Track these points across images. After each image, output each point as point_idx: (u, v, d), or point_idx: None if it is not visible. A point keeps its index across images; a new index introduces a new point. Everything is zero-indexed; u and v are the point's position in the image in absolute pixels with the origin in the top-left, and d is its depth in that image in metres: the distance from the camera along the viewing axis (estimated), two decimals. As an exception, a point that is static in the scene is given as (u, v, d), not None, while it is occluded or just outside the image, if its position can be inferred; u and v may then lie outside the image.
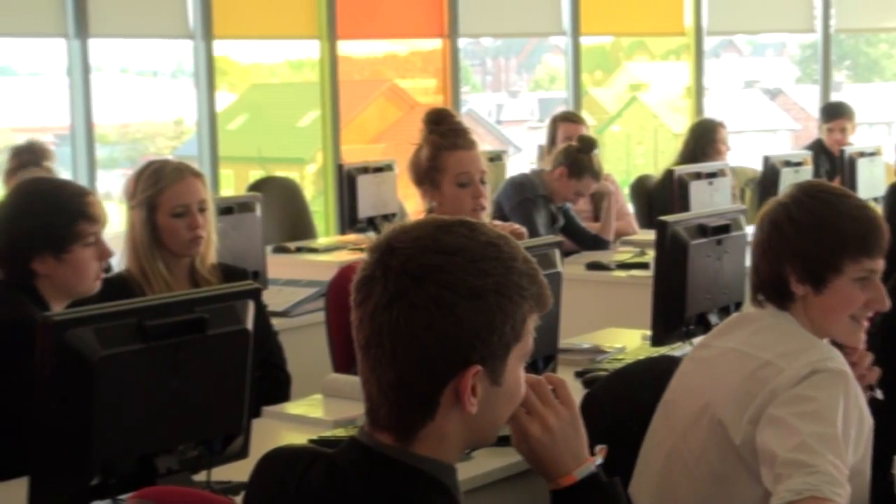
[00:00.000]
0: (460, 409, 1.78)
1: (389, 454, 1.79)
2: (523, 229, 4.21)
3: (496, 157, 7.65)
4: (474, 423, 1.81)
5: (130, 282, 3.78)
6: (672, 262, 3.75)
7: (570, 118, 7.45)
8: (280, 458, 1.93)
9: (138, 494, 1.91)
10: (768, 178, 6.78)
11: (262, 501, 1.91)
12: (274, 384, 3.84)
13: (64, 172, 6.16)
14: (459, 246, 1.77)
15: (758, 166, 7.22)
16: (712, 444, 2.59)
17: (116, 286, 3.39)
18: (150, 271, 3.81)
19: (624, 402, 2.94)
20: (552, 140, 7.18)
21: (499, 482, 2.98)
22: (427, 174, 4.05)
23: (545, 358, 3.33)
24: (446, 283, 1.74)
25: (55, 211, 3.22)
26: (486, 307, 1.75)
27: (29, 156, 5.74)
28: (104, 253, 3.29)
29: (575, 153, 6.23)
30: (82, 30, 8.35)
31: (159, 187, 3.83)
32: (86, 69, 8.48)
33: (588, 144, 6.28)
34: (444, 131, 4.07)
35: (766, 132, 14.19)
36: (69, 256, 3.20)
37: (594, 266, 5.80)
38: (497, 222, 4.26)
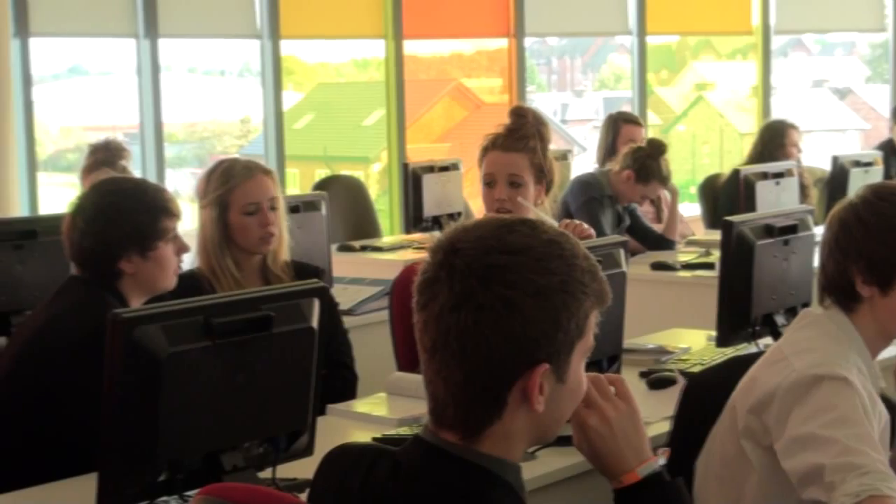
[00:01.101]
0: (527, 408, 1.78)
1: (455, 452, 1.79)
2: (592, 230, 4.21)
3: (561, 157, 7.62)
4: (540, 421, 1.81)
5: (200, 279, 3.82)
6: (738, 263, 3.73)
7: (632, 120, 7.42)
8: (344, 456, 1.94)
9: (205, 491, 1.93)
10: (837, 178, 6.71)
11: (327, 499, 1.92)
12: (341, 383, 3.86)
13: (134, 171, 6.20)
14: (523, 245, 1.78)
15: (826, 166, 7.16)
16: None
17: (187, 283, 3.41)
18: (220, 269, 3.85)
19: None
20: (613, 141, 7.13)
21: (562, 482, 2.98)
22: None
23: (609, 358, 3.32)
24: (513, 283, 1.74)
25: (140, 209, 3.22)
26: (552, 305, 1.76)
27: (106, 154, 5.77)
28: (182, 248, 3.31)
29: (644, 157, 6.19)
30: (152, 30, 8.43)
31: (230, 185, 3.87)
32: (155, 69, 8.56)
33: (658, 149, 6.23)
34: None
35: (834, 132, 14.05)
36: (154, 254, 3.21)
37: (659, 266, 5.77)
38: (566, 221, 4.25)
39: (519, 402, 1.78)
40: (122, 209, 3.21)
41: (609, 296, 1.85)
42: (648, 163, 6.17)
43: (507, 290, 1.74)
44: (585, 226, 4.20)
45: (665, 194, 6.58)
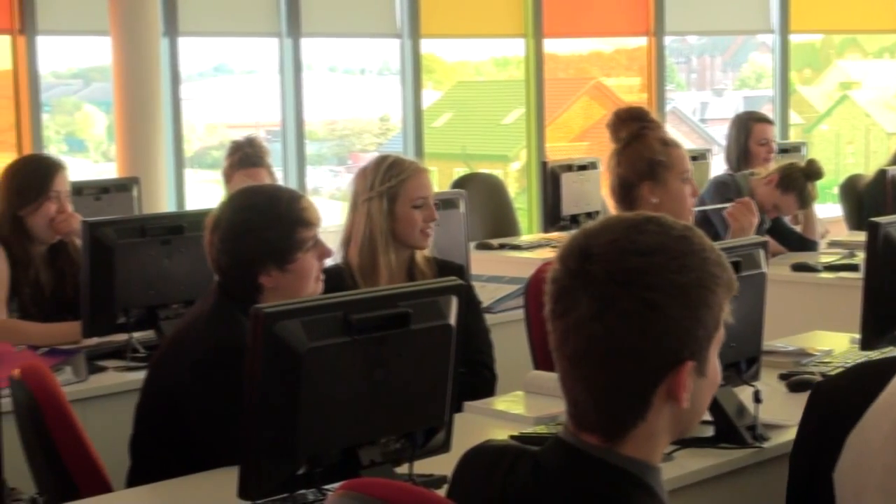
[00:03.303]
0: (670, 406, 1.77)
1: (596, 455, 1.78)
2: (751, 201, 4.19)
3: (700, 157, 7.55)
4: (683, 417, 1.80)
5: (343, 274, 3.86)
6: (883, 265, 3.66)
7: (763, 118, 7.28)
8: (484, 456, 1.94)
9: (345, 486, 1.94)
10: None
11: (467, 497, 1.92)
12: (480, 382, 3.87)
13: (276, 169, 6.27)
14: (657, 244, 1.76)
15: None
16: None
17: (329, 279, 3.41)
18: (382, 261, 3.89)
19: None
20: (745, 141, 7.01)
21: (700, 483, 2.95)
22: (650, 169, 4.00)
23: (748, 360, 3.28)
24: (653, 285, 1.73)
25: (274, 225, 3.14)
26: (692, 302, 1.75)
27: (250, 150, 5.80)
28: (324, 253, 3.24)
29: (797, 171, 6.07)
30: (294, 29, 8.55)
31: (402, 178, 3.92)
32: (297, 67, 8.68)
33: (814, 173, 6.09)
34: (655, 126, 4.07)
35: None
36: (293, 266, 3.14)
37: (801, 267, 5.69)
38: (741, 199, 4.25)
39: (663, 401, 1.77)
40: (254, 227, 3.13)
41: (737, 283, 1.84)
42: (798, 176, 6.05)
43: (649, 293, 1.72)
44: (746, 199, 4.14)
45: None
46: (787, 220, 6.36)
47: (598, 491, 1.76)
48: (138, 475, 3.07)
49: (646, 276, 1.73)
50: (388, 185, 3.93)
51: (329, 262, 3.39)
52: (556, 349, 1.80)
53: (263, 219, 3.14)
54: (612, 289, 1.73)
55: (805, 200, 6.09)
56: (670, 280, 1.73)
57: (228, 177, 5.75)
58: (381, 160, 4.01)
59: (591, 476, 1.77)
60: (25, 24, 7.72)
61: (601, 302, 1.73)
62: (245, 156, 5.77)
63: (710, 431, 3.06)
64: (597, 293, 1.73)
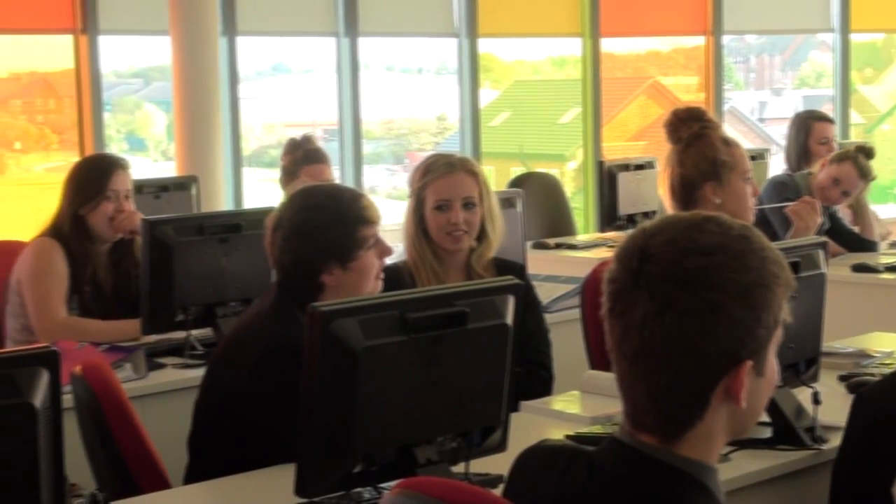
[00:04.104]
0: (728, 406, 1.76)
1: (653, 455, 1.78)
2: (815, 201, 4.17)
3: (758, 156, 7.50)
4: (740, 417, 1.79)
5: (402, 272, 3.88)
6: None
7: (823, 117, 7.23)
8: (539, 456, 1.94)
9: (403, 485, 1.95)
10: None
11: (522, 497, 1.92)
12: (537, 382, 3.86)
13: (333, 168, 6.29)
14: (717, 244, 1.75)
15: None
16: None
17: (388, 277, 3.42)
18: (421, 262, 3.91)
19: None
20: (805, 140, 6.96)
21: (757, 485, 2.93)
22: (713, 170, 3.97)
23: (807, 360, 3.26)
24: (714, 285, 1.72)
25: (336, 223, 3.16)
26: (753, 302, 1.74)
27: (311, 147, 5.79)
28: (384, 251, 3.26)
29: (851, 148, 6.08)
30: (352, 29, 8.58)
31: (426, 181, 3.93)
32: (354, 66, 8.71)
33: (868, 151, 6.09)
34: (714, 126, 4.04)
35: None
36: (355, 264, 3.16)
37: (861, 268, 5.64)
38: (806, 198, 4.24)
39: (721, 401, 1.76)
40: (317, 225, 3.15)
41: (795, 283, 1.82)
42: (850, 149, 6.05)
43: (711, 293, 1.72)
44: (807, 198, 4.12)
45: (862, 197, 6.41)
46: (845, 221, 6.31)
47: (655, 491, 1.76)
48: (196, 472, 3.09)
49: (707, 275, 1.72)
50: (417, 186, 3.96)
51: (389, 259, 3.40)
52: (613, 349, 1.79)
53: (326, 217, 3.16)
54: (673, 289, 1.72)
55: (863, 169, 6.05)
56: (731, 279, 1.73)
57: (291, 174, 5.74)
58: (424, 160, 4.04)
59: (648, 476, 1.77)
60: (87, 24, 7.80)
61: (661, 302, 1.72)
62: (309, 152, 5.77)
63: (767, 433, 3.04)
64: (656, 293, 1.73)
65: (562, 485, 1.85)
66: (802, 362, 3.22)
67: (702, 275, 1.72)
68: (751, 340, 1.74)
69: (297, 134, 6.05)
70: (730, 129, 10.58)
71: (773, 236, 5.07)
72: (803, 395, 3.10)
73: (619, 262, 1.79)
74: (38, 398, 2.08)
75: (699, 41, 10.41)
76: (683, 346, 1.72)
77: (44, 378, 2.10)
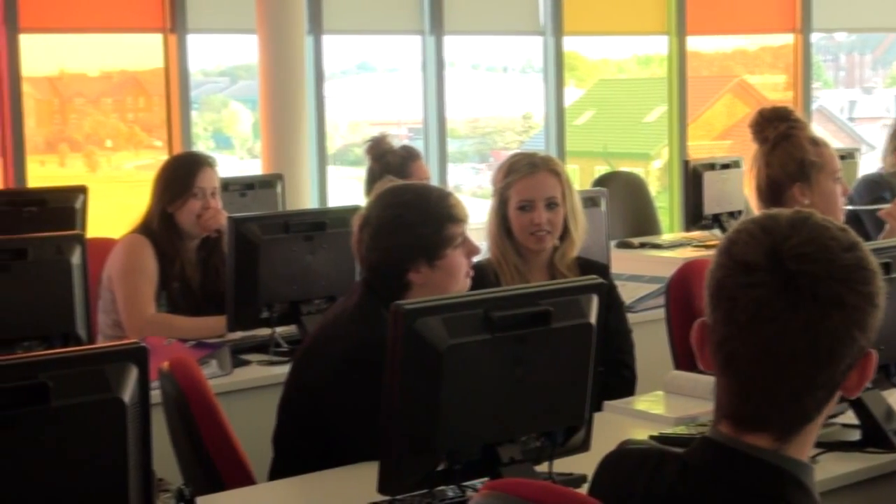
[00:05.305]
0: (834, 400, 1.76)
1: (758, 456, 1.75)
2: None
3: (848, 156, 7.40)
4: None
5: (487, 271, 3.88)
6: None
7: None
8: (627, 458, 1.92)
9: (494, 486, 1.93)
10: None
11: (610, 499, 1.90)
12: (620, 382, 3.85)
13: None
14: (852, 240, 1.75)
15: None
16: None
17: (473, 275, 3.42)
18: (504, 260, 3.92)
19: None
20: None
21: (846, 487, 2.90)
22: (801, 170, 3.93)
23: (898, 363, 3.21)
24: (866, 279, 1.72)
25: (424, 220, 3.17)
26: (878, 292, 1.74)
27: (400, 147, 5.71)
28: (472, 250, 3.26)
29: None
30: (437, 27, 8.59)
31: (509, 181, 3.94)
32: (440, 65, 8.73)
33: None
34: (801, 126, 4.01)
35: None
36: (442, 262, 3.16)
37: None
38: (880, 207, 4.18)
39: (831, 398, 1.75)
40: (405, 222, 3.16)
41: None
42: None
43: (867, 287, 1.71)
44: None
45: None
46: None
47: (758, 492, 1.74)
48: (281, 468, 3.11)
49: (860, 270, 1.73)
50: (500, 185, 3.96)
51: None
52: (746, 352, 1.75)
53: (414, 214, 3.17)
54: (837, 287, 1.70)
55: None
56: (873, 272, 1.73)
57: (401, 172, 5.53)
58: (507, 159, 4.04)
59: (751, 477, 1.75)
60: (176, 24, 7.89)
61: (826, 302, 1.70)
62: (409, 149, 5.68)
63: (856, 435, 3.01)
64: (820, 293, 1.70)
65: (652, 486, 1.82)
66: (893, 364, 3.18)
67: (857, 270, 1.72)
68: (874, 331, 1.74)
69: (377, 134, 5.88)
70: (818, 129, 10.47)
71: (866, 236, 5.01)
72: (893, 397, 3.07)
73: (754, 268, 1.74)
74: (127, 394, 2.10)
75: (787, 39, 10.31)
76: (844, 342, 1.71)
77: (133, 374, 2.12)
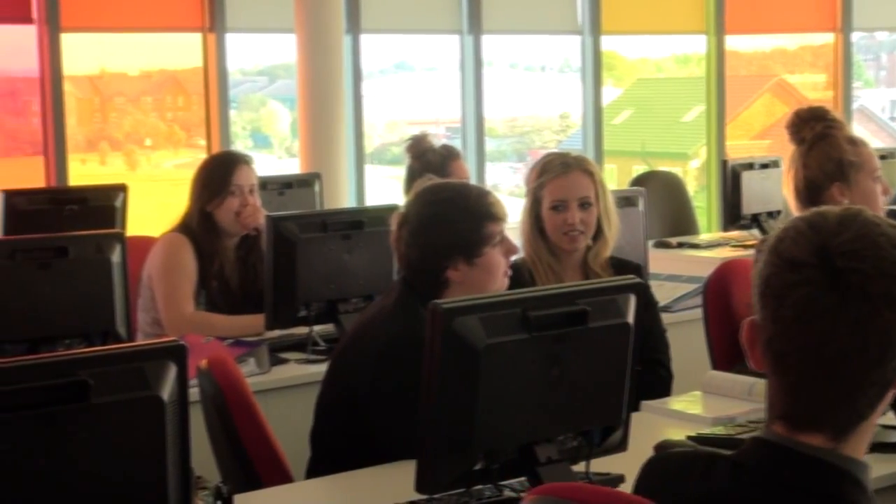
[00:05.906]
0: (884, 401, 1.74)
1: (816, 455, 1.73)
2: None
3: (889, 155, 7.36)
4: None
5: (522, 270, 3.88)
6: None
7: None
8: (672, 462, 1.90)
9: (543, 490, 1.92)
10: None
11: (661, 502, 1.87)
12: (656, 381, 3.83)
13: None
14: None
15: None
16: None
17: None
18: (538, 260, 3.93)
19: None
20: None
21: (890, 488, 2.88)
22: (839, 170, 3.91)
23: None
24: None
25: (463, 218, 3.17)
26: None
27: (440, 146, 5.70)
28: (510, 249, 3.26)
29: None
30: (475, 26, 8.60)
31: (542, 181, 3.94)
32: (478, 64, 8.73)
33: None
34: (839, 126, 3.99)
35: None
36: (481, 260, 3.16)
37: None
38: None
39: (888, 393, 1.74)
40: (444, 219, 3.17)
41: None
42: None
43: None
44: None
45: None
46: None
47: (817, 492, 1.72)
48: (318, 466, 3.12)
49: None
50: (534, 185, 3.97)
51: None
52: (796, 352, 1.73)
53: (453, 212, 3.17)
54: (890, 284, 1.69)
55: None
56: None
57: (441, 171, 5.52)
58: (540, 159, 4.04)
59: (805, 475, 1.73)
60: (215, 23, 7.92)
61: (879, 299, 1.68)
62: (450, 148, 5.69)
63: (897, 437, 2.99)
64: (872, 291, 1.68)
65: (703, 488, 1.80)
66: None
67: None
68: None
69: (418, 133, 5.89)
70: (859, 128, 10.41)
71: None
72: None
73: (802, 265, 1.72)
74: (166, 391, 2.12)
75: (827, 38, 10.25)
76: (887, 345, 1.69)
77: (171, 372, 2.14)
